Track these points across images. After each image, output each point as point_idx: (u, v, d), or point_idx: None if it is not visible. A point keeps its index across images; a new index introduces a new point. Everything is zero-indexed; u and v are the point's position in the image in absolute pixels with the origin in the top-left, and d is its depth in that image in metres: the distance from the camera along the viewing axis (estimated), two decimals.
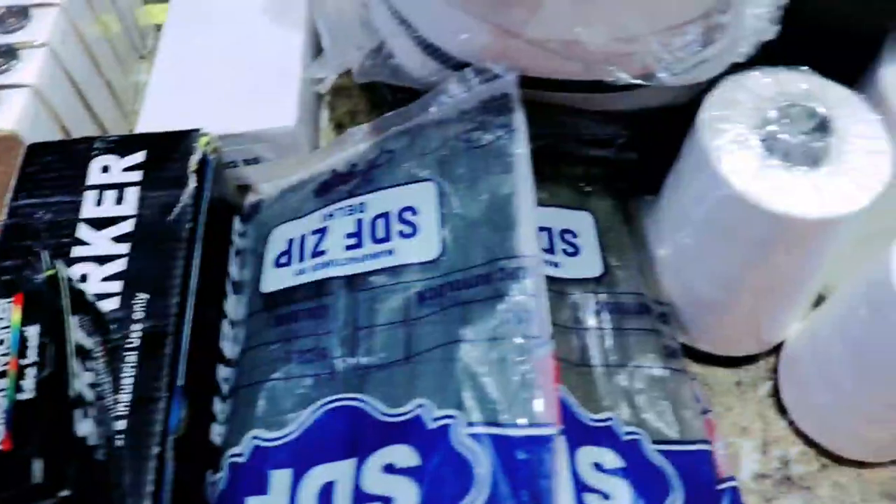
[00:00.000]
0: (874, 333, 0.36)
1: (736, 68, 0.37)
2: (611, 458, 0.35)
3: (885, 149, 0.36)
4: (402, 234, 0.38)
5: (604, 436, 0.35)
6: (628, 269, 0.41)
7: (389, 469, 0.32)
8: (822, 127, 0.36)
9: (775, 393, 0.43)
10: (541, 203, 0.42)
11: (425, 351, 0.35)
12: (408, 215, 0.38)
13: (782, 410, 0.42)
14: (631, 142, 0.45)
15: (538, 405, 0.32)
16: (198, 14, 0.49)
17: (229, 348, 0.39)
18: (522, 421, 0.32)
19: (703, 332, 0.42)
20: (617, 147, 0.44)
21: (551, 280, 0.39)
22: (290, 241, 0.41)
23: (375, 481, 0.32)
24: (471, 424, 0.32)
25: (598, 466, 0.34)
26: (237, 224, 0.43)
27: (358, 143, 0.44)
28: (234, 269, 0.42)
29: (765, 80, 0.38)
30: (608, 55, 0.35)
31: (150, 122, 0.44)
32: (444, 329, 0.35)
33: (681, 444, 0.37)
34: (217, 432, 0.37)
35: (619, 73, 0.36)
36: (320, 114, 0.51)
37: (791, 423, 0.42)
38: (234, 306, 0.41)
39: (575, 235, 0.41)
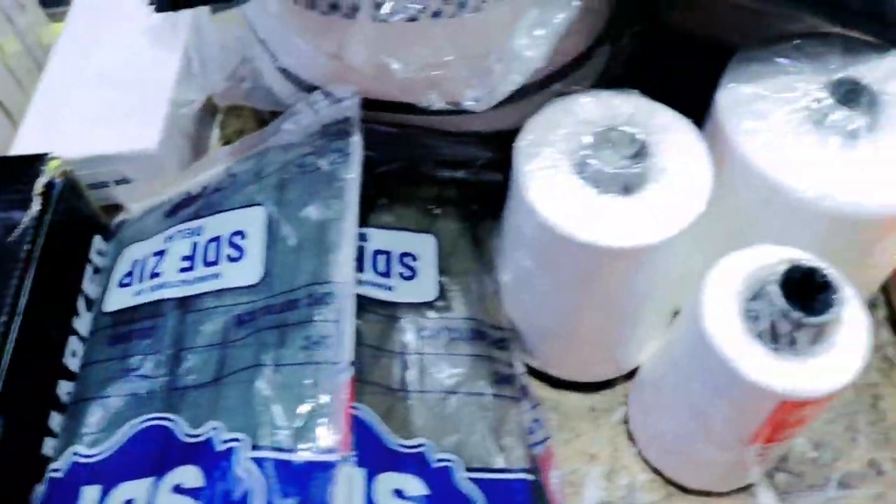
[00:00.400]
0: (693, 366, 0.35)
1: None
2: (414, 485, 0.35)
3: (703, 174, 0.35)
4: (230, 258, 0.39)
5: (412, 462, 0.35)
6: (466, 294, 0.40)
7: (178, 489, 0.33)
8: (640, 152, 0.35)
9: (629, 419, 0.42)
10: (386, 226, 0.42)
11: (233, 373, 0.35)
12: (237, 239, 0.39)
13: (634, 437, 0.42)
14: (496, 163, 0.44)
15: (323, 431, 0.32)
16: (87, 36, 0.51)
17: (75, 364, 0.41)
18: (305, 447, 0.32)
19: (551, 358, 0.42)
20: (477, 168, 0.44)
21: (383, 304, 0.39)
22: (135, 262, 0.42)
23: (164, 500, 0.33)
24: (256, 448, 0.32)
25: (399, 493, 0.34)
26: (99, 243, 0.44)
27: (219, 165, 0.45)
28: (90, 287, 0.43)
29: (590, 104, 0.37)
30: (418, 81, 0.35)
31: (26, 142, 0.46)
32: (254, 352, 0.35)
33: (499, 473, 0.36)
34: (50, 446, 0.38)
35: (432, 98, 0.36)
36: (211, 132, 0.53)
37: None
38: (87, 323, 0.42)
39: (415, 259, 0.41)
